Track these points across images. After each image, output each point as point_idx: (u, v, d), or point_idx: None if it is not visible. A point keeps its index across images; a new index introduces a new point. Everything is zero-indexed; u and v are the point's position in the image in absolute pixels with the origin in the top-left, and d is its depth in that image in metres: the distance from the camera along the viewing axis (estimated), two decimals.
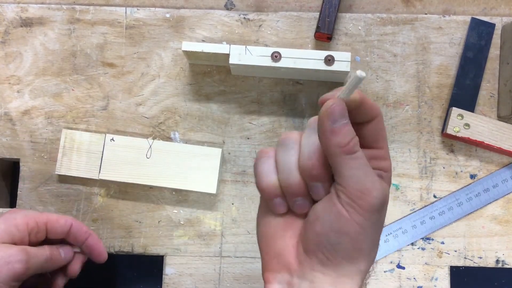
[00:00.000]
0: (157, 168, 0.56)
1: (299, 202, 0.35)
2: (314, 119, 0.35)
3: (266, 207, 0.37)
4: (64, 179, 0.58)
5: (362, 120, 0.35)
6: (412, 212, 0.57)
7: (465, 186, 0.58)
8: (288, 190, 0.35)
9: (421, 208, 0.58)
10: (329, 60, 0.53)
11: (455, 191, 0.58)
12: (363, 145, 0.34)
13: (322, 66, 0.54)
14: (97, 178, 0.56)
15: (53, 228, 0.46)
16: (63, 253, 0.47)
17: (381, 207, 0.32)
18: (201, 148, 0.57)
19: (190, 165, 0.56)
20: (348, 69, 0.54)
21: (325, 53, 0.53)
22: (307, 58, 0.54)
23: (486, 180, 0.58)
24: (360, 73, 0.31)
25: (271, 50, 0.54)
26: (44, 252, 0.44)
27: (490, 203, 0.57)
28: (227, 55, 0.54)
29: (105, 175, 0.56)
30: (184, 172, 0.56)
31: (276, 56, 0.54)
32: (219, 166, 0.57)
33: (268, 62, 0.54)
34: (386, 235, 0.57)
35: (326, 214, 0.33)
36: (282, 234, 0.36)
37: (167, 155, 0.56)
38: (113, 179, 0.56)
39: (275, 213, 0.36)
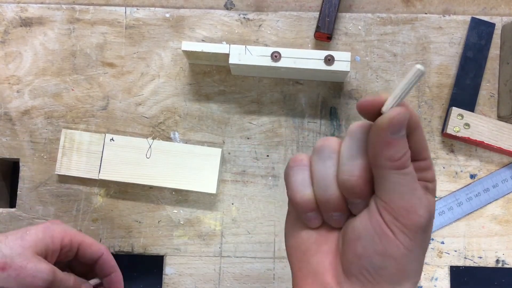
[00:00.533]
0: (157, 168, 0.56)
1: (336, 218, 0.32)
2: (357, 127, 0.31)
3: (297, 217, 0.34)
4: (64, 179, 0.58)
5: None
6: None
7: (465, 186, 0.58)
8: (325, 205, 0.32)
9: None
10: (329, 60, 0.53)
11: (455, 191, 0.58)
12: None
13: (322, 66, 0.54)
14: (97, 178, 0.56)
15: (85, 252, 0.45)
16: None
17: (428, 226, 0.30)
18: (201, 148, 0.57)
19: (190, 165, 0.56)
20: (348, 69, 0.54)
21: (325, 53, 0.53)
22: (307, 58, 0.54)
23: (486, 180, 0.58)
24: (420, 66, 0.27)
25: (271, 50, 0.54)
26: (69, 280, 0.43)
27: (490, 203, 0.57)
28: (227, 55, 0.54)
29: (105, 175, 0.56)
30: (184, 172, 0.56)
31: (276, 56, 0.54)
32: (219, 166, 0.57)
33: (268, 62, 0.54)
34: None
35: (368, 233, 0.30)
36: (316, 249, 0.33)
37: (167, 155, 0.56)
38: (113, 179, 0.56)
39: (308, 226, 0.34)
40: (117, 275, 0.48)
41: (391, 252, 0.29)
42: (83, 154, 0.57)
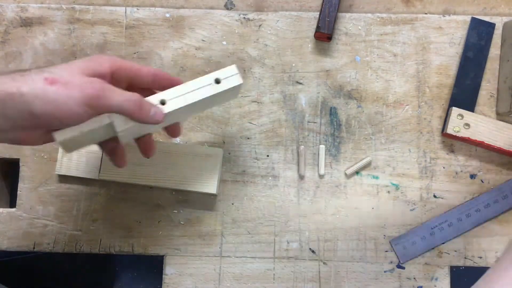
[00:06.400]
0: (157, 168, 0.56)
1: None
2: None
3: None
4: (64, 179, 0.58)
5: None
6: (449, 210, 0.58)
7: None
8: None
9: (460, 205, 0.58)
10: (217, 81, 0.46)
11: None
12: None
13: (214, 89, 0.46)
14: (97, 178, 0.56)
15: (137, 76, 0.44)
16: (153, 110, 0.42)
17: None
18: (201, 148, 0.57)
19: (190, 165, 0.56)
20: (241, 81, 0.47)
21: (211, 76, 0.46)
22: (194, 90, 0.45)
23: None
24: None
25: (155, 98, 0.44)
26: (126, 93, 0.41)
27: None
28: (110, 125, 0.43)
29: (105, 175, 0.56)
30: (184, 172, 0.56)
31: (163, 103, 0.44)
32: (219, 166, 0.57)
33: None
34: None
35: None
36: None
37: (167, 155, 0.56)
38: (113, 179, 0.56)
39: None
40: (177, 81, 0.46)
41: None
42: (83, 154, 0.57)
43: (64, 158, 0.57)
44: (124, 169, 0.56)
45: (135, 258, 0.58)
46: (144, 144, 0.48)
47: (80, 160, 0.57)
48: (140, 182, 0.56)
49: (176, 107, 0.44)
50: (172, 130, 0.50)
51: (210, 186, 0.56)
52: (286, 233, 0.57)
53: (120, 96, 0.40)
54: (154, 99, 0.44)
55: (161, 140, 0.58)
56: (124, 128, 0.42)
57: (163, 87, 0.46)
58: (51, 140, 0.41)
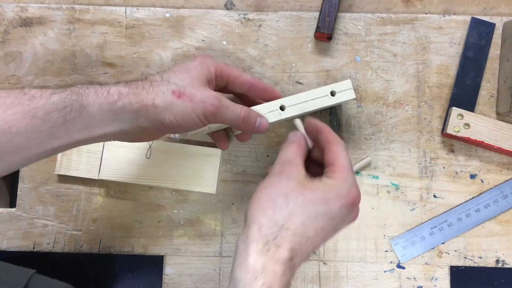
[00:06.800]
0: (157, 168, 0.56)
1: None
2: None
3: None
4: (64, 179, 0.58)
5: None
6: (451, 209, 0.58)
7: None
8: None
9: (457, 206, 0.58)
10: (333, 94, 0.52)
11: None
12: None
13: (329, 101, 0.51)
14: (97, 178, 0.56)
15: (234, 82, 0.49)
16: (259, 121, 0.48)
17: None
18: (201, 149, 0.57)
19: (190, 165, 0.56)
20: (354, 96, 0.52)
21: (327, 88, 0.51)
22: (312, 99, 0.51)
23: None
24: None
25: (275, 104, 0.50)
26: (236, 109, 0.46)
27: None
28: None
29: (105, 175, 0.56)
30: (184, 172, 0.56)
31: (282, 108, 0.50)
32: (219, 166, 0.57)
33: (277, 117, 0.50)
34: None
35: None
36: None
37: (167, 155, 0.56)
38: (113, 179, 0.56)
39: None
40: (271, 91, 0.52)
41: None
42: (83, 154, 0.57)
43: (63, 158, 0.57)
44: (124, 169, 0.56)
45: (135, 258, 0.58)
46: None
47: (80, 160, 0.57)
48: (140, 182, 0.56)
49: (293, 114, 0.50)
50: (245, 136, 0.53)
51: (209, 186, 0.56)
52: None
53: (232, 114, 0.46)
54: (274, 104, 0.50)
55: (161, 140, 0.58)
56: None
57: (259, 96, 0.51)
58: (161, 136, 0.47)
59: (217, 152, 0.57)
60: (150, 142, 0.57)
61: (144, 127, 0.43)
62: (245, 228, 0.40)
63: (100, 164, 0.56)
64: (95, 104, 0.41)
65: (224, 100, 0.45)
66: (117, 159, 0.56)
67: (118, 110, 0.41)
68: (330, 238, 0.42)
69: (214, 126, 0.51)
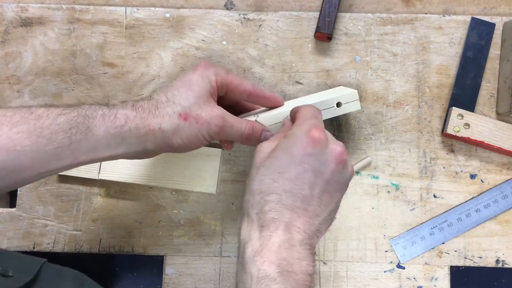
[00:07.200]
0: (157, 168, 0.56)
1: None
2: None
3: None
4: (64, 179, 0.58)
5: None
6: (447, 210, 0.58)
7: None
8: None
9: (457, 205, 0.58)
10: (339, 105, 0.51)
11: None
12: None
13: (334, 112, 0.51)
14: (97, 178, 0.56)
15: (234, 91, 0.49)
16: (263, 136, 0.48)
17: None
18: (201, 149, 0.57)
19: (190, 165, 0.56)
20: (359, 107, 0.51)
21: (334, 100, 0.50)
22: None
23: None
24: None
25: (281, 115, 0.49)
26: (241, 127, 0.47)
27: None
28: None
29: (105, 175, 0.56)
30: (184, 172, 0.56)
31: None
32: (219, 166, 0.57)
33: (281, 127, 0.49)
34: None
35: None
36: None
37: (167, 155, 0.56)
38: (113, 179, 0.56)
39: None
40: (271, 99, 0.51)
41: None
42: None
43: None
44: (124, 169, 0.56)
45: (135, 258, 0.58)
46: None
47: None
48: (140, 182, 0.56)
49: None
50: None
51: (209, 186, 0.56)
52: None
53: (236, 133, 0.46)
54: (280, 115, 0.49)
55: None
56: None
57: (259, 104, 0.51)
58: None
59: (217, 152, 0.57)
60: None
61: (150, 150, 0.44)
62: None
63: (100, 164, 0.56)
64: (102, 127, 0.41)
65: (228, 120, 0.46)
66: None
67: (125, 134, 0.42)
68: (330, 194, 0.41)
69: None
